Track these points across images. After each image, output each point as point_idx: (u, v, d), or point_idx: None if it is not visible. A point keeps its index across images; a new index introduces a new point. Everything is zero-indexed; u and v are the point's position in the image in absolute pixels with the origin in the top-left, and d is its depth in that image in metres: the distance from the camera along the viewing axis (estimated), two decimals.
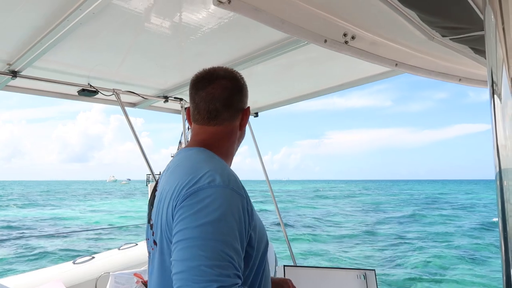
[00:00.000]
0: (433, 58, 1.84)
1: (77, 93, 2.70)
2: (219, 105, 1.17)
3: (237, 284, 0.87)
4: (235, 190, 0.98)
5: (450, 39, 1.55)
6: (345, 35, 1.51)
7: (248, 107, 1.26)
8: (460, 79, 2.00)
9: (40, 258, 13.83)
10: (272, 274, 2.83)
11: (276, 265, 3.06)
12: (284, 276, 2.60)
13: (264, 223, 1.24)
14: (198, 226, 0.90)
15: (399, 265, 12.56)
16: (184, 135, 3.82)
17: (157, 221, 1.06)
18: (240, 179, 1.25)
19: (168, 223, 1.00)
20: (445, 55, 1.82)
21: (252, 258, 1.04)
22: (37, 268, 3.39)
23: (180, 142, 3.39)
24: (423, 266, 12.45)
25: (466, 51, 1.69)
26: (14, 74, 2.21)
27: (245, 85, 1.25)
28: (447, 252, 14.54)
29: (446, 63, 1.90)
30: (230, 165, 1.25)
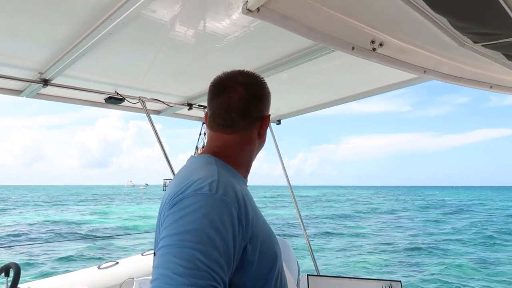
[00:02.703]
0: (463, 64, 1.80)
1: (104, 101, 2.76)
2: (234, 114, 1.12)
3: None
4: (222, 199, 0.92)
5: (482, 45, 1.51)
6: (373, 42, 1.49)
7: (268, 115, 1.19)
8: (491, 86, 1.94)
9: None
10: (295, 284, 2.79)
11: (299, 274, 3.03)
12: (308, 285, 2.57)
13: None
14: (177, 233, 0.87)
15: None
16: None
17: (156, 231, 1.03)
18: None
19: (159, 232, 0.97)
20: (476, 62, 1.77)
21: (250, 271, 0.97)
22: (64, 272, 3.46)
23: (196, 148, 3.43)
24: None
25: (498, 57, 1.64)
26: (45, 82, 2.28)
27: (267, 92, 1.19)
28: None
29: (477, 70, 1.85)
30: (246, 174, 1.20)
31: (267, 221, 1.14)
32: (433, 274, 12.77)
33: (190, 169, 1.07)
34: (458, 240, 20.43)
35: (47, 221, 27.83)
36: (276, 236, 1.28)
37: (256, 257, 0.97)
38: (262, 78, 1.21)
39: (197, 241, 0.84)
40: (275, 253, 1.05)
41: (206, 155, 1.12)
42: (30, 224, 25.76)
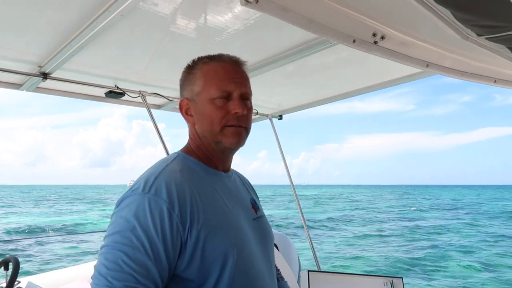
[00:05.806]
0: (466, 58, 1.77)
1: (104, 95, 2.75)
2: None
3: None
4: (152, 197, 0.94)
5: (486, 38, 1.48)
6: (374, 35, 1.46)
7: (183, 99, 1.16)
8: (495, 81, 1.91)
9: None
10: (295, 279, 2.78)
11: (299, 269, 3.02)
12: (309, 281, 2.56)
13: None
14: (110, 235, 0.92)
15: None
16: None
17: None
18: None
19: None
20: (480, 56, 1.74)
21: (193, 264, 0.95)
22: (64, 267, 3.47)
23: None
24: None
25: (502, 51, 1.61)
26: (45, 76, 2.26)
27: (183, 76, 1.20)
28: None
29: (480, 64, 1.82)
30: (220, 164, 1.17)
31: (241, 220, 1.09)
32: None
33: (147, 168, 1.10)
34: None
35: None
36: (276, 231, 1.24)
37: (199, 249, 0.95)
38: (192, 61, 1.22)
39: (124, 242, 0.88)
40: (226, 251, 0.98)
41: (175, 152, 1.17)
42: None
